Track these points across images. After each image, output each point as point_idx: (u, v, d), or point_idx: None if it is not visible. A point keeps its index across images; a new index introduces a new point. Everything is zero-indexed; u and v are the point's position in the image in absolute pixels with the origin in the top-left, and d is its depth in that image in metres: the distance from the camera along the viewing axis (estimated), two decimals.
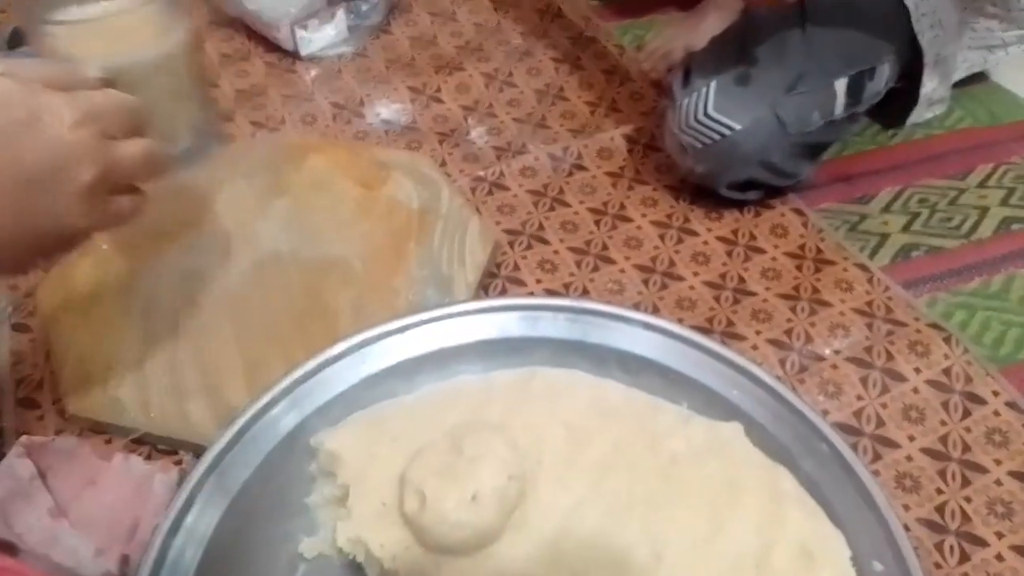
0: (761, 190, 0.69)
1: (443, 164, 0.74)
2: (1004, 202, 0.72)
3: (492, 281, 0.64)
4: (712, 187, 0.69)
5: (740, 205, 0.70)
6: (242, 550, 0.46)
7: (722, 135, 0.64)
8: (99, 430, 0.54)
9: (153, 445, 0.54)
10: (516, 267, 0.65)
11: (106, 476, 0.49)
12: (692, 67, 0.68)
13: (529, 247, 0.67)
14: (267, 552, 0.47)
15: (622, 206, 0.70)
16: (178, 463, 0.52)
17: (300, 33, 0.85)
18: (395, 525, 0.46)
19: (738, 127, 0.63)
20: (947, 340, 0.60)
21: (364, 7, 0.88)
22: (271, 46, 0.87)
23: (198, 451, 0.47)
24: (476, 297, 0.59)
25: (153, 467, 0.49)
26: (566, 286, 0.64)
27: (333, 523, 0.48)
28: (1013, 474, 0.53)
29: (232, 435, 0.47)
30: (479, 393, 0.52)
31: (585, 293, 0.63)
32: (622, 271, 0.65)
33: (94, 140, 0.40)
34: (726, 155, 0.64)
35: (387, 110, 0.81)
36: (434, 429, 0.49)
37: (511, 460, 0.46)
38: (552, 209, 0.70)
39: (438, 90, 0.83)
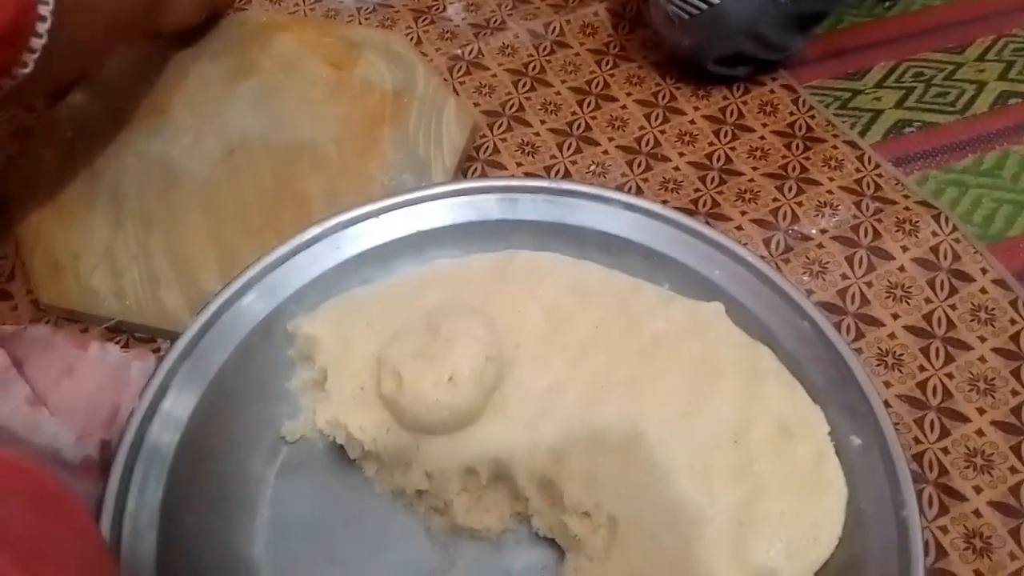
0: (750, 66, 0.66)
1: (418, 43, 0.70)
2: (1002, 76, 0.70)
3: (471, 165, 0.62)
4: (700, 63, 0.66)
5: (728, 83, 0.68)
6: (221, 434, 0.46)
7: (709, 4, 0.60)
8: (74, 319, 0.53)
9: (130, 333, 0.53)
10: (496, 150, 0.63)
11: (83, 364, 0.49)
12: None
13: (509, 129, 0.64)
14: (247, 436, 0.47)
15: (606, 85, 0.67)
16: (155, 351, 0.52)
17: None
18: (374, 407, 0.46)
19: None
20: (936, 218, 0.59)
21: None
22: None
23: (175, 338, 0.46)
24: (455, 181, 0.58)
25: (130, 354, 0.48)
26: (547, 169, 0.62)
27: (313, 407, 0.48)
28: (997, 351, 0.53)
29: (205, 320, 0.46)
30: (456, 276, 0.52)
31: (567, 176, 0.62)
32: (605, 152, 0.63)
33: None
34: (714, 25, 0.61)
35: None
36: (411, 312, 0.48)
37: (488, 341, 0.45)
38: (533, 89, 0.67)
39: None
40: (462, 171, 0.60)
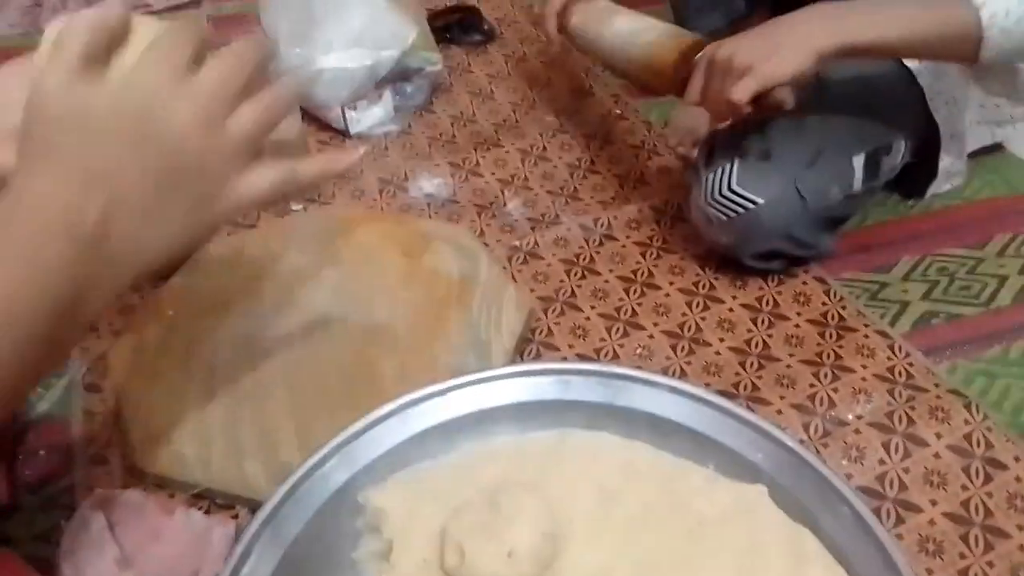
0: (784, 260, 0.72)
1: (481, 234, 0.78)
2: (1023, 271, 0.74)
3: (527, 346, 0.67)
4: (737, 257, 0.72)
5: (764, 274, 0.73)
6: None
7: (745, 208, 0.67)
8: (163, 485, 0.58)
9: (212, 500, 0.57)
10: (550, 332, 0.69)
11: (169, 529, 0.53)
12: (716, 143, 0.72)
13: (562, 313, 0.70)
14: None
15: (650, 274, 0.74)
16: (234, 517, 0.56)
17: (350, 114, 0.91)
18: None
19: (761, 201, 0.67)
20: (967, 406, 0.62)
21: (409, 88, 0.95)
22: (323, 125, 0.94)
23: (253, 506, 0.50)
24: (512, 362, 0.63)
25: (212, 521, 0.52)
26: (597, 351, 0.67)
27: None
28: None
29: (286, 491, 0.51)
30: (514, 454, 0.55)
31: (615, 358, 0.67)
32: (651, 337, 0.69)
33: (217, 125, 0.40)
34: (749, 227, 0.68)
35: (429, 184, 0.86)
36: (472, 488, 0.52)
37: (545, 518, 0.49)
38: (584, 277, 0.74)
39: (477, 165, 0.88)
40: (519, 352, 0.66)
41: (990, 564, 0.54)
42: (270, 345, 0.63)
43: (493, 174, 0.87)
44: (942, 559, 0.54)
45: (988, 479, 0.58)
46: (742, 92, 0.60)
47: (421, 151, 0.91)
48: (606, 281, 0.74)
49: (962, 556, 0.54)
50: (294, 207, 0.80)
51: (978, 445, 0.60)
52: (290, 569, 0.49)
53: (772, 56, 0.60)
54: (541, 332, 0.69)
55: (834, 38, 0.59)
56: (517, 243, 0.77)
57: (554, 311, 0.71)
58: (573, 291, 0.73)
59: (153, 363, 0.62)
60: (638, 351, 0.67)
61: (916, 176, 0.80)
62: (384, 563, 0.51)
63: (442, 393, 0.57)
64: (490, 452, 0.56)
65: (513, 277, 0.73)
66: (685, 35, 0.71)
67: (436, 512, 0.51)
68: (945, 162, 0.78)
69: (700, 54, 0.67)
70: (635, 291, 0.73)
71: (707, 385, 0.62)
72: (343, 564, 0.52)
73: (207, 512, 0.56)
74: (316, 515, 0.51)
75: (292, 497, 0.51)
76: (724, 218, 0.68)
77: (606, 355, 0.67)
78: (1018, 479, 0.58)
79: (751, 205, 0.67)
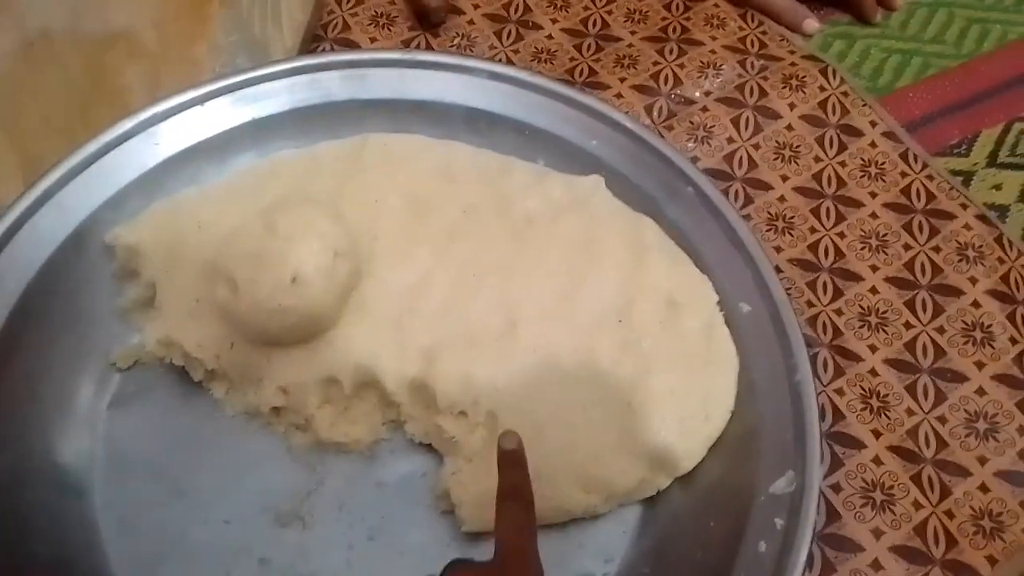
0: None
1: None
2: None
3: (318, 45, 0.55)
4: None
5: None
6: (36, 367, 0.39)
7: None
8: None
9: None
10: (345, 26, 0.56)
11: None
12: None
13: (360, 2, 0.57)
14: (69, 367, 0.41)
15: None
16: None
17: None
18: (213, 321, 0.40)
19: None
20: (824, 72, 0.56)
21: None
22: None
23: None
24: (292, 59, 0.50)
25: None
26: (406, 43, 0.55)
27: (143, 327, 0.42)
28: (889, 206, 0.51)
29: (2, 233, 0.39)
30: (302, 168, 0.45)
31: (428, 49, 0.55)
32: (471, 22, 0.57)
33: None
34: None
35: None
36: (248, 212, 0.42)
37: (335, 235, 0.40)
38: None
39: None
40: (307, 52, 0.53)
41: (840, 235, 0.50)
42: None
43: None
44: (791, 235, 0.50)
45: (843, 147, 0.53)
46: None
47: None
48: None
49: (812, 230, 0.50)
50: None
51: (833, 113, 0.54)
52: (25, 330, 0.39)
53: None
54: (335, 27, 0.56)
55: None
56: None
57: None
58: None
59: None
60: (456, 41, 0.56)
61: None
62: (149, 309, 0.42)
63: (202, 100, 0.45)
64: (271, 169, 0.46)
65: None
66: None
67: (204, 244, 0.42)
68: None
69: None
70: None
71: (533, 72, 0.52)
72: (98, 318, 0.42)
73: None
74: (49, 263, 0.40)
75: (11, 243, 0.40)
76: None
77: (417, 48, 0.55)
78: (873, 145, 0.53)
79: None
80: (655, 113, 0.53)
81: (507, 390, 0.39)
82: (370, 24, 0.56)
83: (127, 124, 0.43)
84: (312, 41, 0.54)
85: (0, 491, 0.36)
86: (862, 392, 0.45)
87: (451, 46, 0.56)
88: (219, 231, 0.41)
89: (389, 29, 0.56)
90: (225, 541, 0.38)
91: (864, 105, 0.54)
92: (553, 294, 0.42)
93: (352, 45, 0.55)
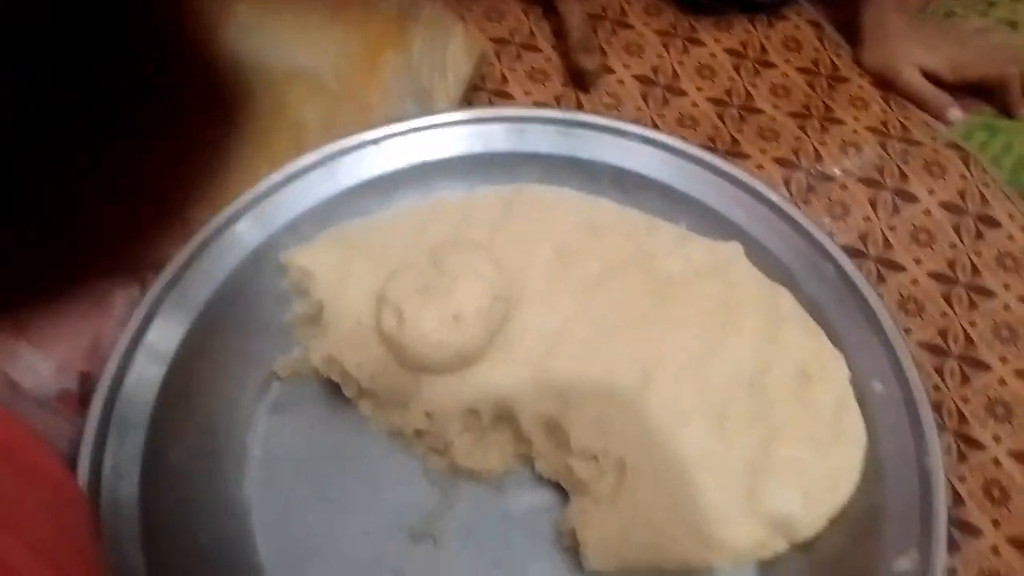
0: None
1: None
2: None
3: (477, 95, 0.59)
4: None
5: (751, 15, 0.64)
6: (209, 369, 0.43)
7: None
8: None
9: None
10: (503, 80, 0.60)
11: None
12: None
13: (518, 57, 0.61)
14: (237, 371, 0.45)
15: (623, 11, 0.64)
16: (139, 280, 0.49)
17: None
18: (371, 344, 0.44)
19: None
20: (965, 160, 0.56)
21: None
22: None
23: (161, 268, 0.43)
24: (460, 110, 0.54)
25: (112, 282, 0.46)
26: (557, 99, 0.59)
27: (307, 342, 0.45)
28: (1022, 299, 0.51)
29: (192, 250, 0.44)
30: (461, 211, 0.49)
31: (578, 107, 0.58)
32: (620, 83, 0.60)
33: None
34: None
35: None
36: (412, 247, 0.46)
37: (495, 279, 0.43)
38: (544, 15, 0.63)
39: None
40: (467, 102, 0.57)
41: (972, 323, 0.50)
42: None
43: None
44: (922, 318, 0.50)
45: (979, 237, 0.53)
46: None
47: None
48: None
49: (943, 315, 0.50)
50: None
51: (972, 202, 0.55)
52: (204, 334, 0.43)
53: None
54: (494, 79, 0.60)
55: None
56: None
57: (509, 54, 0.61)
58: (532, 31, 0.62)
59: None
60: (605, 100, 0.59)
61: None
62: (315, 327, 0.46)
63: (376, 142, 0.49)
64: (433, 209, 0.49)
65: (462, 16, 0.63)
66: None
67: (370, 273, 0.45)
68: None
69: None
70: (604, 30, 0.63)
71: (681, 139, 0.55)
72: (267, 329, 0.46)
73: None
74: (231, 276, 0.45)
75: (200, 256, 0.44)
76: None
77: (568, 104, 0.59)
78: (1010, 237, 0.53)
79: None
80: (793, 186, 0.55)
81: (637, 441, 0.41)
82: (526, 78, 0.60)
83: (310, 158, 0.47)
84: (472, 91, 0.58)
85: (177, 477, 0.40)
86: (984, 481, 0.45)
87: (600, 105, 0.59)
88: (383, 261, 0.45)
89: (544, 84, 0.60)
90: (363, 548, 0.41)
91: (1005, 198, 0.55)
92: (688, 354, 0.44)
93: (508, 97, 0.59)
